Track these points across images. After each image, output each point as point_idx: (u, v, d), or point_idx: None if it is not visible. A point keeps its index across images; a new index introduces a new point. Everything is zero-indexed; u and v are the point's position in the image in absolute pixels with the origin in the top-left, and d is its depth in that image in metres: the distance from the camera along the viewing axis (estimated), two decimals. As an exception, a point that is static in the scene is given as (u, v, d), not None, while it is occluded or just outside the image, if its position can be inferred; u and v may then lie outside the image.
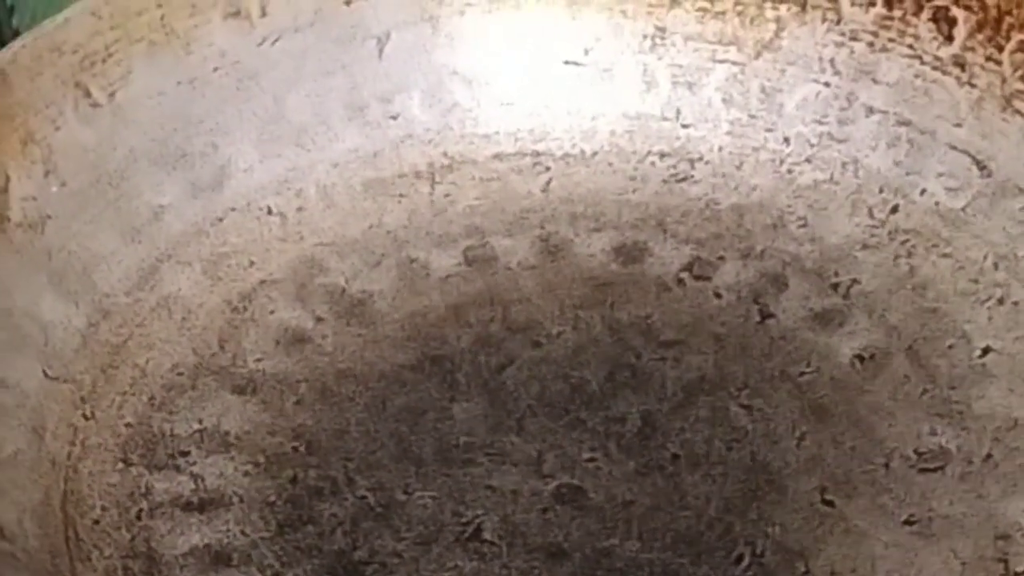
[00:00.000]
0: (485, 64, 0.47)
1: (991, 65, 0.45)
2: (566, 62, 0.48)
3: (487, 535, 0.39)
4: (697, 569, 0.38)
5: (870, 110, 0.46)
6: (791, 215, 0.46)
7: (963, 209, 0.45)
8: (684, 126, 0.47)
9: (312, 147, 0.46)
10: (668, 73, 0.47)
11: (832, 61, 0.46)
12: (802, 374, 0.42)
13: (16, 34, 0.50)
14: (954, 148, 0.45)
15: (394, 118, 0.47)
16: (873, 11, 0.46)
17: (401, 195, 0.46)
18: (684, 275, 0.45)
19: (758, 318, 0.44)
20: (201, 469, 0.40)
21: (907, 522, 0.39)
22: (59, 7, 0.45)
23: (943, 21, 0.45)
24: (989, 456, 0.40)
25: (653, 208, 0.46)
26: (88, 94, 0.44)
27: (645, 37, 0.47)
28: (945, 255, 0.44)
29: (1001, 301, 0.43)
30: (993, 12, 0.45)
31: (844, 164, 0.46)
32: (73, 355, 0.42)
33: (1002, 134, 0.45)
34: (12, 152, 0.43)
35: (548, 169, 0.47)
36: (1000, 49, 0.45)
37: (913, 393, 0.42)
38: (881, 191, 0.46)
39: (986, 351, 0.42)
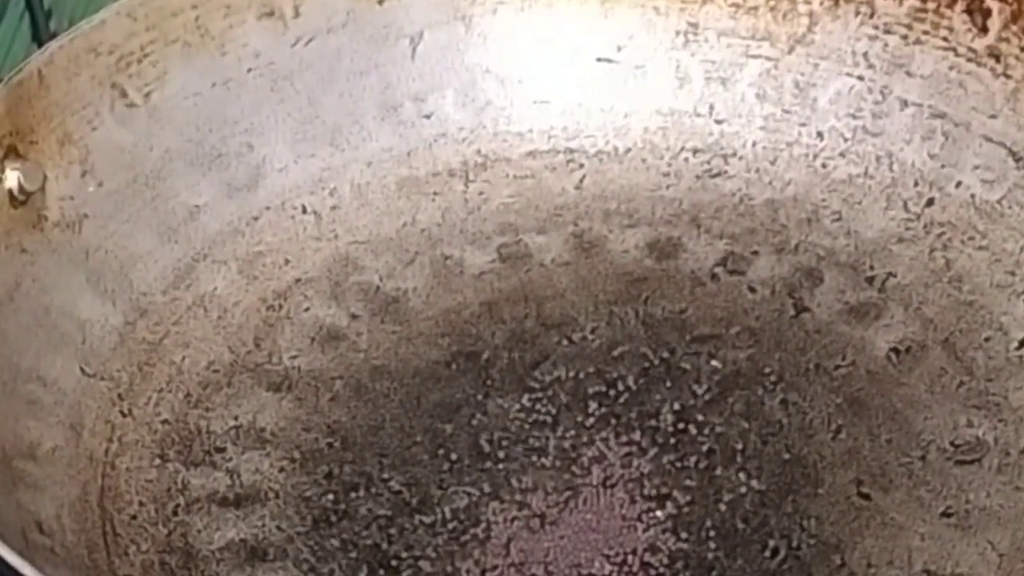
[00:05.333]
0: (518, 62, 0.47)
1: (1026, 56, 0.45)
2: (599, 59, 0.48)
3: (521, 529, 0.39)
4: (732, 563, 0.38)
5: (904, 103, 0.46)
6: (825, 209, 0.46)
7: (999, 201, 0.44)
8: (717, 122, 0.47)
9: (346, 146, 0.46)
10: (701, 69, 0.47)
11: (866, 55, 0.46)
12: (837, 367, 0.42)
13: (54, 36, 0.50)
14: (989, 140, 0.45)
15: (428, 117, 0.47)
16: (906, 4, 0.46)
17: (435, 193, 0.47)
18: (718, 270, 0.45)
19: (793, 312, 0.43)
20: (237, 465, 0.40)
21: (944, 514, 0.39)
22: (96, 9, 0.45)
23: (977, 12, 0.45)
24: (1027, 448, 0.40)
25: (687, 204, 0.46)
26: (124, 95, 0.44)
27: (678, 33, 0.47)
28: (981, 248, 0.44)
29: (1038, 293, 0.43)
30: (1028, 4, 0.45)
31: (879, 158, 0.46)
32: (110, 353, 0.42)
33: (1038, 126, 0.44)
34: (50, 152, 0.43)
35: (582, 166, 0.47)
36: (1035, 41, 0.45)
37: (950, 385, 0.41)
38: (916, 184, 0.45)
39: (1023, 343, 0.42)
